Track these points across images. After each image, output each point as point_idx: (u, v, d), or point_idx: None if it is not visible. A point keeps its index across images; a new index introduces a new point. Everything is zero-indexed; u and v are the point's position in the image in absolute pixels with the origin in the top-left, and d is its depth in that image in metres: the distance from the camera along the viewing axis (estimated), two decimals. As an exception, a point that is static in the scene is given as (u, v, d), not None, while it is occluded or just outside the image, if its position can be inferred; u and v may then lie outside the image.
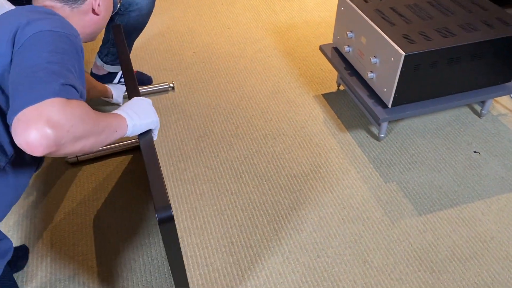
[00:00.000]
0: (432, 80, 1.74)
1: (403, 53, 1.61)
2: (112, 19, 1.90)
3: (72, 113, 0.84)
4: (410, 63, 1.64)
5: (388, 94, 1.74)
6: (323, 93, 2.18)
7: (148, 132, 1.11)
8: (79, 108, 0.87)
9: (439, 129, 1.97)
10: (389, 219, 1.62)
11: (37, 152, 0.81)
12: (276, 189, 1.74)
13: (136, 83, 1.25)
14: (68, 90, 0.87)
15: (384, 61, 1.71)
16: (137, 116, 1.06)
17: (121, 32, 1.41)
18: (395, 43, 1.65)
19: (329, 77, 2.27)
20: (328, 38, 2.54)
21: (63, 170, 1.81)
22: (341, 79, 2.09)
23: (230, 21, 2.70)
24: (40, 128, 0.79)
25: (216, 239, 1.57)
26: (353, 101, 2.12)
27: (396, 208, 1.66)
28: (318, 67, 2.33)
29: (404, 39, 1.68)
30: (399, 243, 1.55)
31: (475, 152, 1.86)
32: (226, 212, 1.65)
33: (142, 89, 2.17)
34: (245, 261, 1.50)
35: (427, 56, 1.65)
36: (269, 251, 1.53)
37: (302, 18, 2.73)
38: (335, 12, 2.74)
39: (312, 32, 2.60)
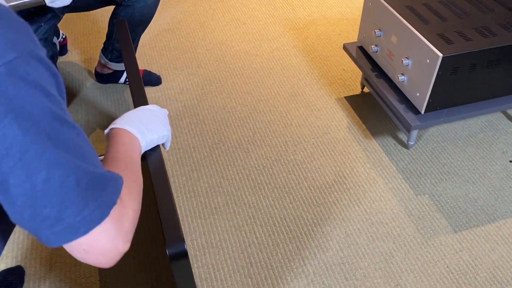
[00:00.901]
0: (469, 84, 1.60)
1: (441, 55, 1.46)
2: (116, 12, 1.77)
3: (133, 211, 0.74)
4: (448, 66, 1.50)
5: (422, 99, 1.59)
6: (346, 95, 2.04)
7: (157, 148, 0.96)
8: (133, 198, 0.76)
9: (471, 136, 1.83)
10: (422, 237, 1.49)
11: (108, 266, 0.72)
12: (298, 202, 1.60)
13: (142, 86, 1.12)
14: (115, 187, 0.70)
15: (418, 63, 1.56)
16: (149, 132, 0.92)
17: (126, 28, 1.27)
18: (432, 44, 1.50)
19: (352, 78, 2.13)
20: (350, 36, 2.39)
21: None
22: (366, 81, 1.95)
23: (245, 16, 2.56)
24: (121, 248, 0.70)
25: (233, 259, 1.43)
26: (379, 105, 1.97)
27: (429, 224, 1.52)
28: (340, 67, 2.19)
29: (440, 39, 1.53)
30: (434, 263, 1.42)
31: (511, 161, 1.73)
32: (243, 228, 1.52)
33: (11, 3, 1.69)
34: (266, 284, 1.37)
35: (467, 58, 1.50)
36: (291, 273, 1.40)
37: (321, 13, 2.58)
38: (357, 8, 2.61)
39: (332, 29, 2.45)
